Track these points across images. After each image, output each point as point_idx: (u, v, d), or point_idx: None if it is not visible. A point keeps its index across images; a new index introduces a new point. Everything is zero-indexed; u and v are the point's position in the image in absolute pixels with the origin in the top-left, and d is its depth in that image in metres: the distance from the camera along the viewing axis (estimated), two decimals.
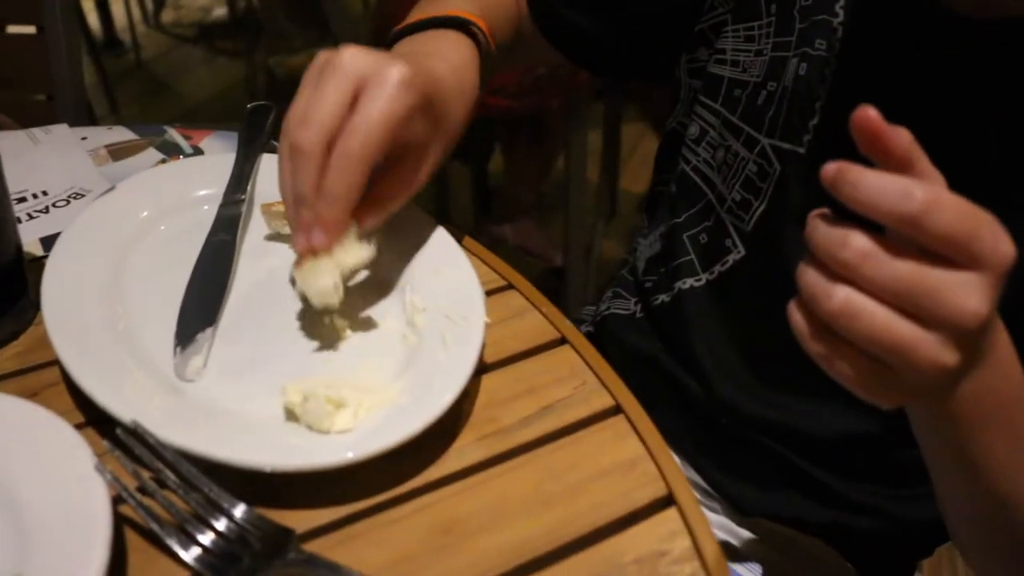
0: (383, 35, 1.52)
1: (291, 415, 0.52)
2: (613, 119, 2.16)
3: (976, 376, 0.43)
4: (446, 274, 0.63)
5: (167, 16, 4.40)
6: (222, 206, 0.69)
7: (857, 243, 0.37)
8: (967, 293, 0.37)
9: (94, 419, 0.51)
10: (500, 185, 2.19)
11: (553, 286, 2.09)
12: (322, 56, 0.56)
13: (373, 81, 0.53)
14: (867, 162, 0.58)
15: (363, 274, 0.63)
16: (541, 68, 1.70)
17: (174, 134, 0.86)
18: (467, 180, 2.22)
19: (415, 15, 0.70)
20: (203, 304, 0.61)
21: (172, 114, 3.31)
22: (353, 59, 0.54)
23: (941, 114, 0.59)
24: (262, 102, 0.80)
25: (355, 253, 0.56)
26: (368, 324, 0.61)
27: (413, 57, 0.58)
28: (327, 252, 0.55)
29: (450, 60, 0.63)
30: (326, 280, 0.55)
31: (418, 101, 0.55)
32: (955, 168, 0.57)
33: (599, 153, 2.17)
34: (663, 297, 0.79)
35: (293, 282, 0.63)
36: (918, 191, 0.36)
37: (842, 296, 0.38)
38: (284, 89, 1.95)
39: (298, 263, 0.56)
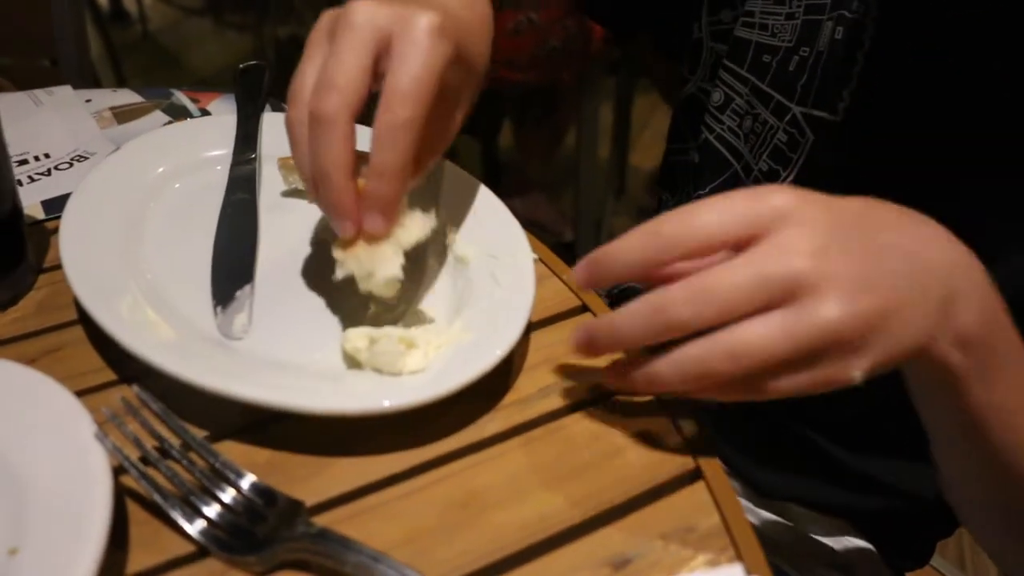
0: None
1: (353, 362, 0.50)
2: (625, 94, 2.13)
3: (950, 324, 0.41)
4: (483, 215, 0.62)
5: None
6: (234, 166, 0.67)
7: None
8: (808, 313, 0.38)
9: (95, 387, 0.49)
10: (510, 159, 2.17)
11: (564, 261, 2.07)
12: (328, 15, 0.49)
13: (401, 37, 0.47)
14: (904, 128, 0.56)
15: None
16: (554, 40, 1.67)
17: (181, 96, 0.84)
18: (477, 154, 2.20)
19: None
20: (237, 262, 0.59)
21: (181, 86, 3.28)
22: (369, 13, 0.47)
23: (976, 77, 0.57)
24: (253, 62, 0.78)
25: (415, 227, 0.51)
26: (414, 269, 0.58)
27: (427, 3, 0.51)
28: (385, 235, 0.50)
29: (463, 2, 0.57)
30: (391, 268, 0.49)
31: (453, 50, 0.49)
32: (984, 129, 0.55)
33: (610, 128, 2.14)
34: None
35: (319, 242, 0.62)
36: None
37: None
38: (293, 61, 1.92)
39: (344, 246, 0.50)
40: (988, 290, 0.44)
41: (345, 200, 0.47)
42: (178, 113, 0.81)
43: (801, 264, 0.38)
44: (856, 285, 0.38)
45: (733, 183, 0.71)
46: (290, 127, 0.49)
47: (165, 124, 0.78)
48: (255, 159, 0.68)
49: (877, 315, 0.39)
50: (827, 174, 0.64)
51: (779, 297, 0.38)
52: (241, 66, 0.78)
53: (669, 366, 0.40)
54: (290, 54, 1.95)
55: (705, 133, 0.74)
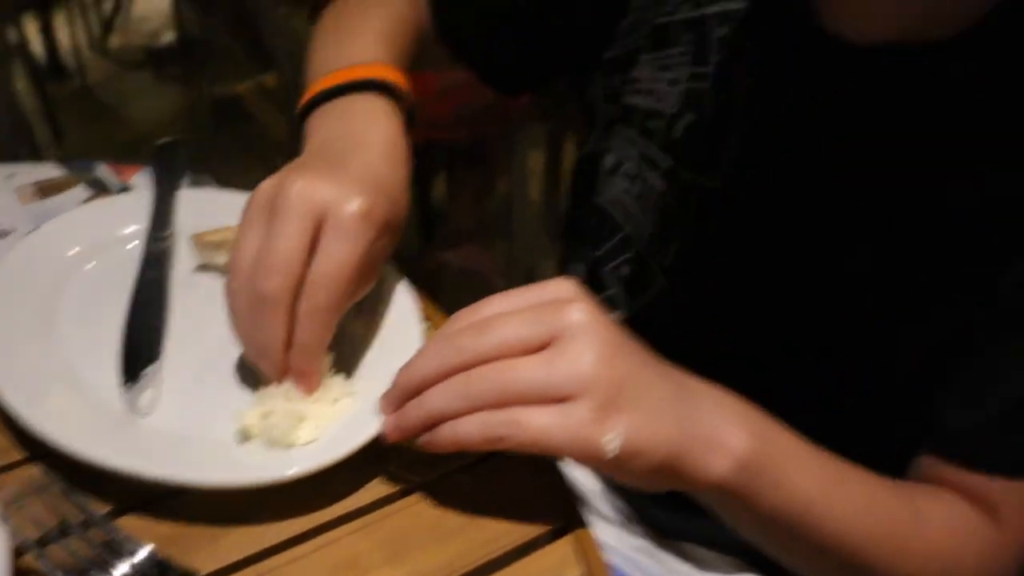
0: None
1: (248, 436, 0.54)
2: (556, 140, 2.18)
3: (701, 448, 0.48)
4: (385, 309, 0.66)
5: (114, 41, 4.36)
6: (148, 243, 0.70)
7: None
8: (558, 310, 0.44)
9: (1, 467, 0.52)
10: (444, 210, 2.21)
11: None
12: (266, 189, 0.54)
13: (331, 222, 0.52)
14: (784, 192, 0.61)
15: None
16: (478, 100, 1.73)
17: (103, 170, 0.87)
18: (412, 206, 2.24)
19: (321, 70, 0.69)
20: (146, 340, 0.62)
21: (118, 142, 3.29)
22: (303, 195, 0.52)
23: (843, 144, 0.61)
24: (170, 139, 0.82)
25: (334, 389, 0.57)
26: None
27: (347, 166, 0.57)
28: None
29: (386, 154, 0.61)
30: (303, 435, 0.54)
31: (379, 230, 0.55)
32: (854, 191, 0.61)
33: (542, 174, 2.20)
34: None
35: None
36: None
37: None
38: (229, 116, 1.96)
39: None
40: (751, 410, 0.51)
41: (280, 370, 0.54)
42: (100, 188, 0.84)
43: (581, 372, 0.45)
44: (619, 394, 0.46)
45: (625, 246, 0.74)
46: (231, 297, 0.54)
47: (87, 199, 0.81)
48: (170, 236, 0.71)
49: (627, 421, 0.46)
50: (714, 238, 0.69)
51: (558, 396, 0.45)
52: (158, 143, 0.82)
53: (474, 426, 0.46)
54: (228, 111, 1.99)
55: (599, 195, 0.76)
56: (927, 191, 0.58)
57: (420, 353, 0.48)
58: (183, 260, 0.70)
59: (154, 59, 4.17)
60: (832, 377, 0.64)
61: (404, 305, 0.66)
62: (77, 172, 0.86)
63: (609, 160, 0.75)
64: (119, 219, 0.73)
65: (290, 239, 0.51)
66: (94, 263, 0.68)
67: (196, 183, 0.80)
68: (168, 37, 4.33)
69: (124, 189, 0.84)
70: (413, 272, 1.93)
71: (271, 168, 0.56)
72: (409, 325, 0.63)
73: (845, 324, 0.62)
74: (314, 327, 0.52)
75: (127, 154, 0.90)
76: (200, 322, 0.64)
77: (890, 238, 0.60)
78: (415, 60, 0.78)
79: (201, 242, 0.69)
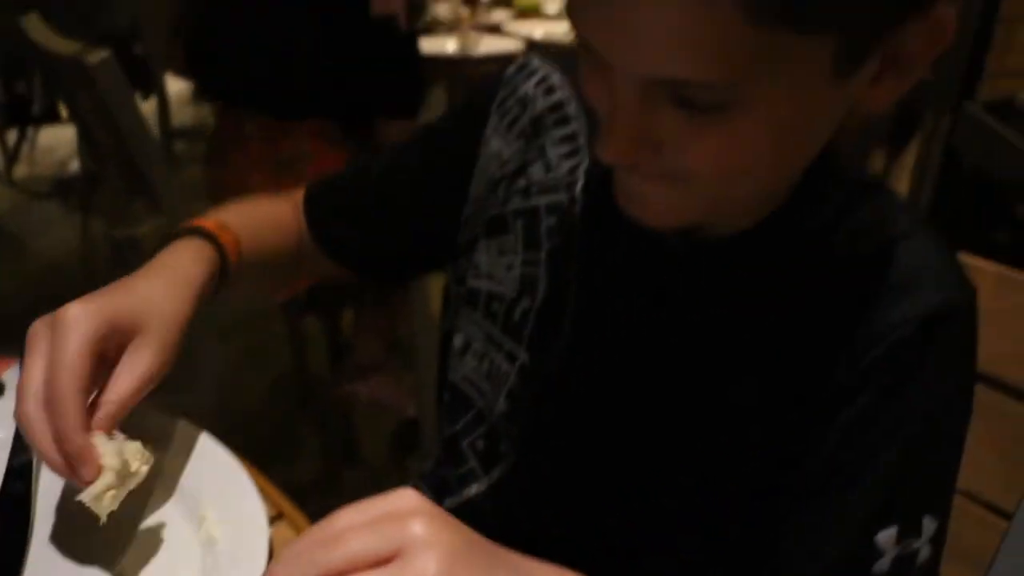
0: (222, 199, 1.58)
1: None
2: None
3: None
4: (223, 486, 0.67)
5: (20, 171, 4.35)
6: (12, 454, 0.69)
7: None
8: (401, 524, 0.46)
9: None
10: (352, 342, 2.24)
11: (409, 438, 2.13)
12: (27, 334, 0.61)
13: (55, 329, 0.59)
14: (619, 379, 0.67)
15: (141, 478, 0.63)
16: None
17: None
18: (320, 335, 2.26)
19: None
20: (5, 557, 0.62)
21: (24, 274, 3.25)
22: (41, 322, 0.61)
23: (670, 334, 0.67)
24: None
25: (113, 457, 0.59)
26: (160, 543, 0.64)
27: (106, 288, 0.65)
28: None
29: (157, 273, 0.68)
30: (99, 486, 0.57)
31: (99, 324, 0.60)
32: (674, 370, 0.66)
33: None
34: (451, 502, 0.80)
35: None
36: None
37: None
38: (127, 258, 1.97)
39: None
40: None
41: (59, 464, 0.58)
42: None
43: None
44: None
45: (479, 421, 0.77)
46: (22, 421, 0.58)
47: None
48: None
49: None
50: (553, 417, 0.73)
51: None
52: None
53: None
54: (127, 253, 2.00)
55: (452, 373, 0.80)
56: (731, 368, 0.64)
57: (273, 569, 0.50)
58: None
59: (60, 189, 4.15)
60: (680, 546, 0.68)
61: (252, 510, 0.66)
62: None
63: (459, 340, 0.79)
64: None
65: (32, 365, 0.59)
66: None
67: None
68: (75, 167, 4.33)
69: None
70: (324, 403, 1.94)
71: None
72: (257, 532, 0.64)
73: (681, 491, 0.67)
74: (61, 416, 0.57)
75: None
76: (66, 532, 0.64)
77: (711, 410, 0.65)
78: (285, 252, 0.85)
79: None
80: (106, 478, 0.58)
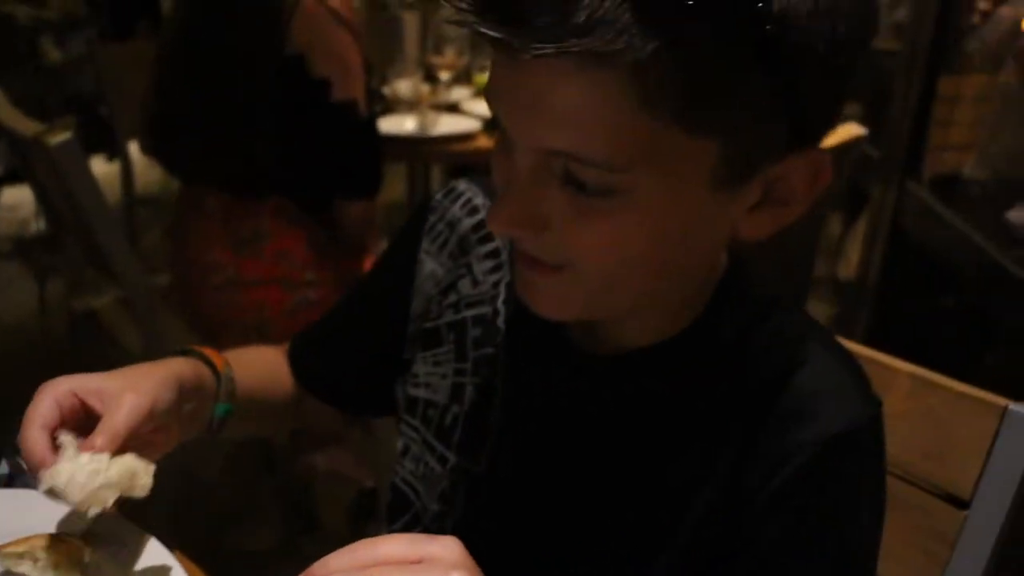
0: (185, 273, 1.60)
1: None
2: None
3: None
4: None
5: None
6: None
7: None
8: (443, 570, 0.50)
9: None
10: None
11: (367, 507, 2.13)
12: None
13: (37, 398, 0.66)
14: (546, 477, 0.70)
15: None
16: None
17: None
18: None
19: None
20: None
21: None
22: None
23: (587, 437, 0.70)
24: None
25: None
26: None
27: (86, 375, 0.69)
28: None
29: (146, 367, 0.72)
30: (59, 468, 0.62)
31: (74, 384, 0.66)
32: (595, 485, 0.69)
33: None
34: None
35: None
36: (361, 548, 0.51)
37: None
38: (84, 328, 1.97)
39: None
40: None
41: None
42: None
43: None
44: None
45: (414, 522, 0.80)
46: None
47: None
48: None
49: None
50: (483, 517, 0.75)
51: None
52: None
53: None
54: (84, 324, 2.00)
55: (393, 475, 0.83)
56: (652, 466, 0.67)
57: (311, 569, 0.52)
58: None
59: (21, 249, 4.13)
60: None
61: None
62: None
63: (400, 443, 0.83)
64: None
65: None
66: None
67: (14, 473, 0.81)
68: (37, 226, 4.31)
69: None
70: (283, 472, 1.92)
71: None
72: None
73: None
74: (29, 437, 0.63)
75: None
76: None
77: (623, 514, 0.68)
78: (277, 392, 0.91)
79: (3, 553, 0.69)
80: (62, 459, 0.63)
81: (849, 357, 0.67)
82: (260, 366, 0.90)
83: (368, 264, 1.84)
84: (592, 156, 0.53)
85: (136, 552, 0.70)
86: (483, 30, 0.50)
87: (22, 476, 0.72)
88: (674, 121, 0.51)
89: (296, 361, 0.94)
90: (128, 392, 0.67)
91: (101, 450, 0.64)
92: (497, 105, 0.57)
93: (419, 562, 0.50)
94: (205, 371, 0.77)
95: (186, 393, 0.72)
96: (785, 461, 0.61)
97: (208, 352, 0.79)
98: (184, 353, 0.78)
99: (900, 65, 2.24)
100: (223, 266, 1.73)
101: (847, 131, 1.95)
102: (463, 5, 0.51)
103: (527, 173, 0.56)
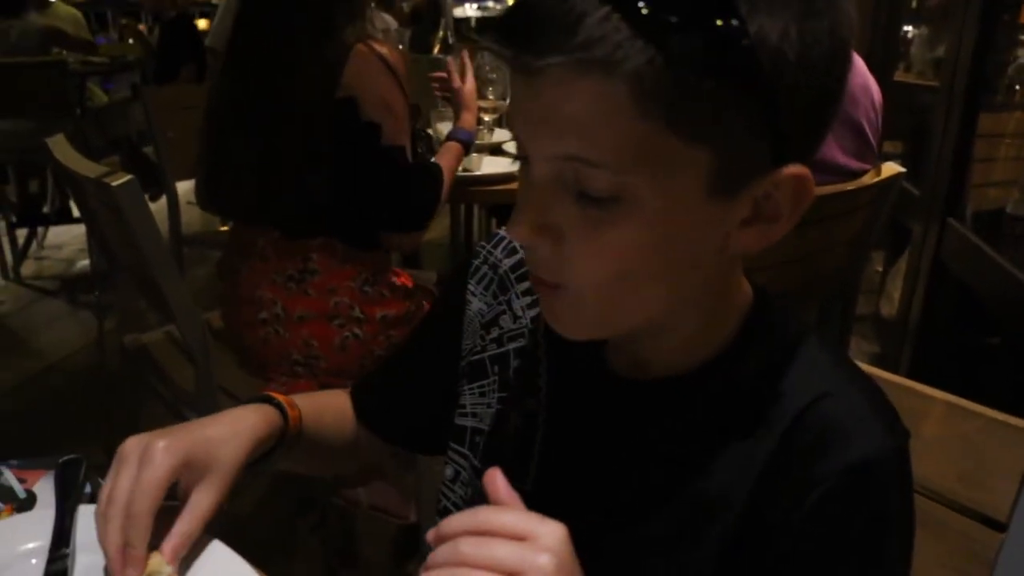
0: (233, 309, 1.64)
1: None
2: None
3: None
4: None
5: (27, 268, 4.42)
6: (49, 563, 0.75)
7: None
8: (536, 553, 0.55)
9: None
10: None
11: (410, 543, 2.13)
12: (119, 448, 0.74)
13: (144, 456, 0.72)
14: (586, 494, 0.72)
15: None
16: (379, 350, 1.83)
17: (9, 476, 0.91)
18: None
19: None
20: None
21: (26, 372, 3.28)
22: (133, 443, 0.73)
23: (623, 459, 0.73)
24: (73, 456, 0.89)
25: None
26: None
27: (184, 427, 0.77)
28: None
29: (224, 422, 0.80)
30: None
31: (179, 460, 0.73)
32: (632, 503, 0.72)
33: None
34: None
35: None
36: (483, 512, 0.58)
37: None
38: (137, 364, 2.01)
39: None
40: None
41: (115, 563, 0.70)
42: (6, 496, 0.88)
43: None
44: None
45: None
46: (95, 523, 0.71)
47: None
48: (68, 555, 0.75)
49: None
50: None
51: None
52: (61, 460, 0.88)
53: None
54: (135, 357, 2.04)
55: (443, 500, 0.89)
56: (681, 488, 0.70)
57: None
58: (82, 572, 0.75)
59: (68, 287, 4.22)
60: None
61: None
62: None
63: (449, 471, 0.89)
64: (19, 536, 0.78)
65: (121, 477, 0.72)
66: None
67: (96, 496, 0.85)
68: (83, 263, 4.40)
69: (29, 497, 0.88)
70: (324, 507, 1.94)
71: (182, 420, 0.74)
72: None
73: None
74: (132, 527, 0.69)
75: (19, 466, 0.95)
76: None
77: (679, 525, 0.70)
78: (341, 434, 0.97)
79: None
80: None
81: (876, 388, 0.69)
82: (328, 411, 0.96)
83: (404, 301, 1.88)
84: (598, 158, 0.57)
85: (206, 559, 0.75)
86: (501, 50, 0.58)
87: None
88: (668, 127, 0.56)
89: (359, 401, 0.99)
90: (210, 489, 0.74)
91: (167, 556, 0.71)
92: (515, 122, 0.63)
93: (524, 539, 0.56)
94: (277, 429, 0.84)
95: (254, 453, 0.80)
96: (809, 491, 0.63)
97: (286, 404, 0.86)
98: (265, 400, 0.85)
99: (939, 101, 2.24)
100: (271, 302, 1.77)
101: (887, 169, 1.96)
102: (486, 34, 0.59)
103: (542, 184, 0.62)
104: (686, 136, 0.56)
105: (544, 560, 0.55)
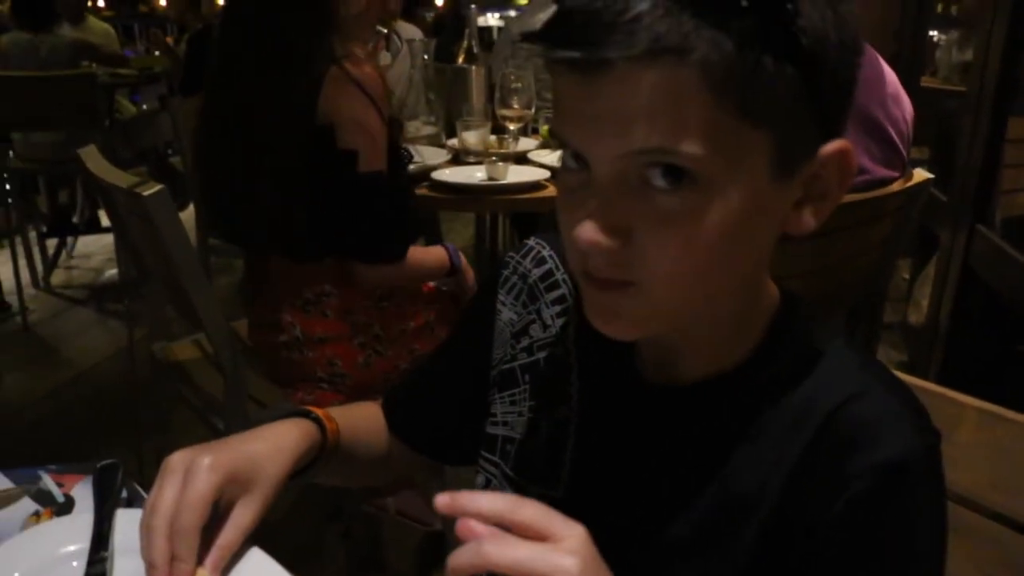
0: (255, 330, 1.64)
1: None
2: None
3: None
4: None
5: (57, 277, 4.48)
6: (89, 565, 0.76)
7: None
8: (560, 555, 0.55)
9: None
10: None
11: (435, 550, 2.14)
12: (165, 461, 0.74)
13: (190, 471, 0.72)
14: (617, 500, 0.72)
15: None
16: (403, 363, 1.84)
17: (48, 481, 0.93)
18: None
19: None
20: None
21: (56, 381, 3.32)
22: (179, 457, 0.74)
23: (654, 464, 0.74)
24: (110, 460, 0.90)
25: None
26: None
27: (227, 442, 0.78)
28: None
29: (266, 437, 0.80)
30: None
31: (223, 477, 0.73)
32: (664, 507, 0.73)
33: None
34: None
35: None
36: (503, 501, 0.58)
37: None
38: (166, 373, 2.03)
39: None
40: None
41: None
42: (44, 500, 0.90)
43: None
44: None
45: None
46: (139, 536, 0.71)
47: (31, 515, 0.87)
48: (107, 558, 0.77)
49: None
50: None
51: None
52: (99, 465, 0.89)
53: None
54: (165, 366, 2.06)
55: None
56: (713, 490, 0.70)
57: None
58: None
59: (97, 296, 4.26)
60: None
61: None
62: (23, 482, 0.92)
63: (480, 479, 0.89)
64: (59, 539, 0.79)
65: (166, 489, 0.72)
66: None
67: (132, 501, 0.86)
68: (112, 272, 4.45)
69: (67, 501, 0.90)
70: (351, 514, 1.95)
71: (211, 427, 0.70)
72: None
73: None
74: (180, 541, 0.70)
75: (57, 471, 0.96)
76: None
77: (706, 527, 0.71)
78: (376, 447, 0.97)
79: None
80: None
81: (905, 389, 0.69)
82: (362, 423, 0.96)
83: (424, 315, 1.89)
84: (673, 145, 0.58)
85: (245, 566, 0.76)
86: (564, 53, 0.58)
87: (141, 500, 0.77)
88: (737, 111, 0.57)
89: (391, 413, 1.00)
90: (252, 504, 0.75)
91: (210, 568, 0.72)
92: (571, 129, 0.63)
93: (547, 538, 0.56)
94: (316, 443, 0.84)
95: (294, 468, 0.81)
96: (840, 491, 0.63)
97: (324, 418, 0.86)
98: (303, 414, 0.86)
99: (968, 106, 2.22)
100: (290, 325, 1.78)
101: (916, 176, 1.95)
102: (540, 42, 0.59)
103: (607, 184, 0.61)
104: (753, 119, 0.58)
105: (569, 563, 0.55)
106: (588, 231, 0.62)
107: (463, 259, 1.94)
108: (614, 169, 0.61)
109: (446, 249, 1.92)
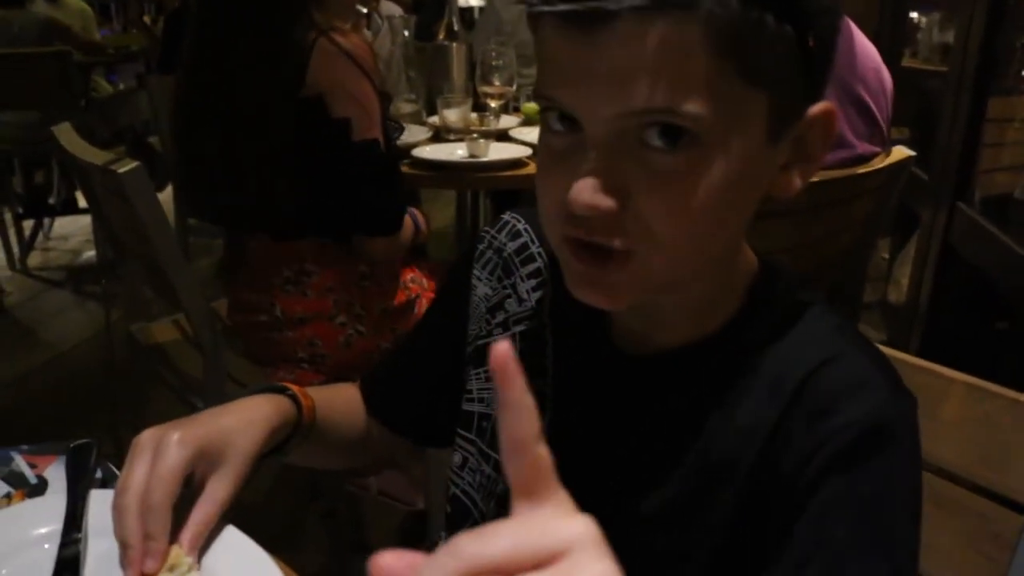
0: (235, 310, 1.63)
1: None
2: None
3: None
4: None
5: (34, 259, 4.43)
6: (61, 547, 0.74)
7: None
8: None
9: None
10: None
11: (417, 529, 2.14)
12: (135, 440, 0.73)
13: (159, 447, 0.72)
14: (597, 472, 0.72)
15: None
16: (385, 343, 1.82)
17: (20, 462, 0.91)
18: None
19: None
20: None
21: (33, 363, 3.29)
22: (148, 435, 0.73)
23: (632, 434, 0.74)
24: (85, 440, 0.89)
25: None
26: None
27: (197, 418, 0.77)
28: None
29: (237, 411, 0.79)
30: None
31: (193, 451, 0.72)
32: (642, 478, 0.72)
33: None
34: None
35: None
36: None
37: None
38: (144, 353, 2.01)
39: None
40: None
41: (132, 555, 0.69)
42: (16, 482, 0.88)
43: None
44: None
45: (476, 527, 0.82)
46: (112, 514, 0.70)
47: (2, 496, 0.86)
48: (80, 539, 0.75)
49: None
50: None
51: None
52: (72, 445, 0.87)
53: None
54: (143, 346, 2.04)
55: (452, 488, 0.88)
56: (691, 458, 0.69)
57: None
58: (94, 559, 0.75)
59: (74, 278, 4.22)
60: None
61: None
62: None
63: (457, 457, 0.88)
64: (32, 522, 0.77)
65: (136, 467, 0.71)
66: (5, 570, 0.72)
67: (107, 481, 0.85)
68: (90, 253, 4.41)
69: (40, 482, 0.88)
70: (333, 494, 1.94)
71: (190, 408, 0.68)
72: None
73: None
74: (152, 517, 0.69)
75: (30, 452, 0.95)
76: None
77: (659, 509, 0.71)
78: (353, 428, 0.96)
79: None
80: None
81: (880, 354, 0.69)
82: (340, 404, 0.95)
83: (404, 293, 1.88)
84: (674, 103, 0.56)
85: (221, 545, 0.75)
86: (562, 7, 0.57)
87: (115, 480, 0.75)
88: (738, 68, 0.57)
89: (369, 394, 0.99)
90: (225, 479, 0.74)
91: (186, 545, 0.71)
92: (564, 90, 0.60)
93: (557, 556, 0.39)
94: (291, 418, 0.83)
95: (268, 443, 0.80)
96: (816, 450, 0.63)
97: (300, 394, 0.86)
98: (278, 390, 0.85)
99: (948, 86, 2.23)
100: (269, 306, 1.75)
101: (897, 153, 1.95)
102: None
103: (603, 145, 0.60)
104: (752, 78, 0.58)
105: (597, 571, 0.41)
106: (586, 193, 0.59)
107: (418, 215, 1.91)
108: (611, 129, 0.59)
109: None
